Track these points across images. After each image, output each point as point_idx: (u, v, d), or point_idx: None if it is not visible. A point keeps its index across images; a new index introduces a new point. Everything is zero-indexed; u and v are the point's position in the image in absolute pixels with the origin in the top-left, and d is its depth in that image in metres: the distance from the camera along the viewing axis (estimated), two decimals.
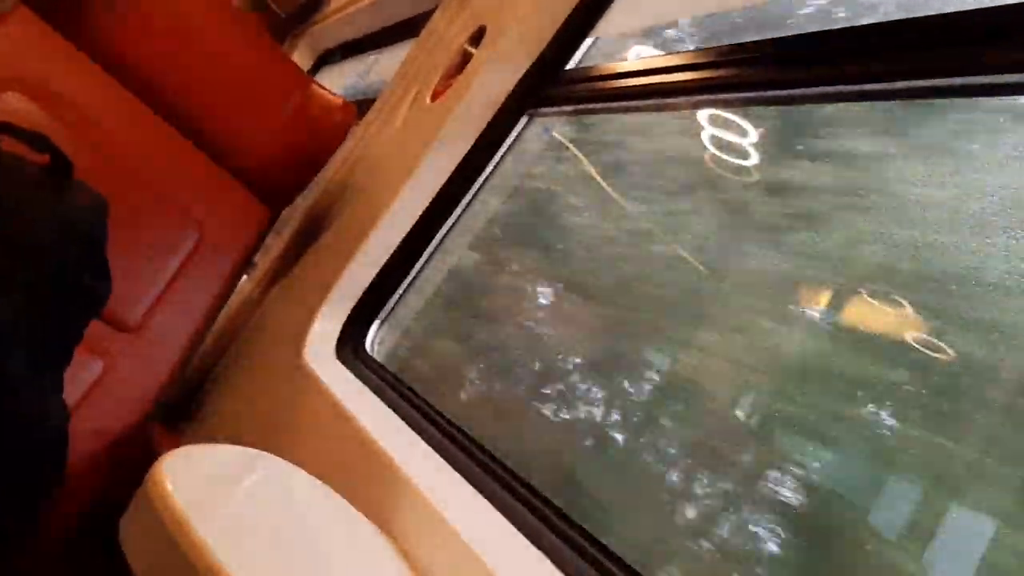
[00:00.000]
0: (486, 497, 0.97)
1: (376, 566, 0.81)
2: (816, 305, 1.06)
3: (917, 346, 0.92)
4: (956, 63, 0.82)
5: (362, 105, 1.94)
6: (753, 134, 1.33)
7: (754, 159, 1.33)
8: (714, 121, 1.38)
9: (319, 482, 0.91)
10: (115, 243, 1.22)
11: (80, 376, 1.40)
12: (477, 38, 1.59)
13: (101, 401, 1.43)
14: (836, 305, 1.03)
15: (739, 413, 1.06)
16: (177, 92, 1.58)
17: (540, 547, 0.86)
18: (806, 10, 1.05)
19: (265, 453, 0.87)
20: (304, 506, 0.80)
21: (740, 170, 1.31)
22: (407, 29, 2.41)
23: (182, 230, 1.56)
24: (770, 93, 1.12)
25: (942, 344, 0.89)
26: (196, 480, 0.61)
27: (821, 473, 0.91)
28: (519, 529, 0.89)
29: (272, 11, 3.31)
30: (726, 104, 1.22)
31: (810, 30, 0.99)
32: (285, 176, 1.67)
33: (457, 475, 1.02)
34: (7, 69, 1.45)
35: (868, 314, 1.00)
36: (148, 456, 1.48)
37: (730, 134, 1.34)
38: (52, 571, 1.36)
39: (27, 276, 1.03)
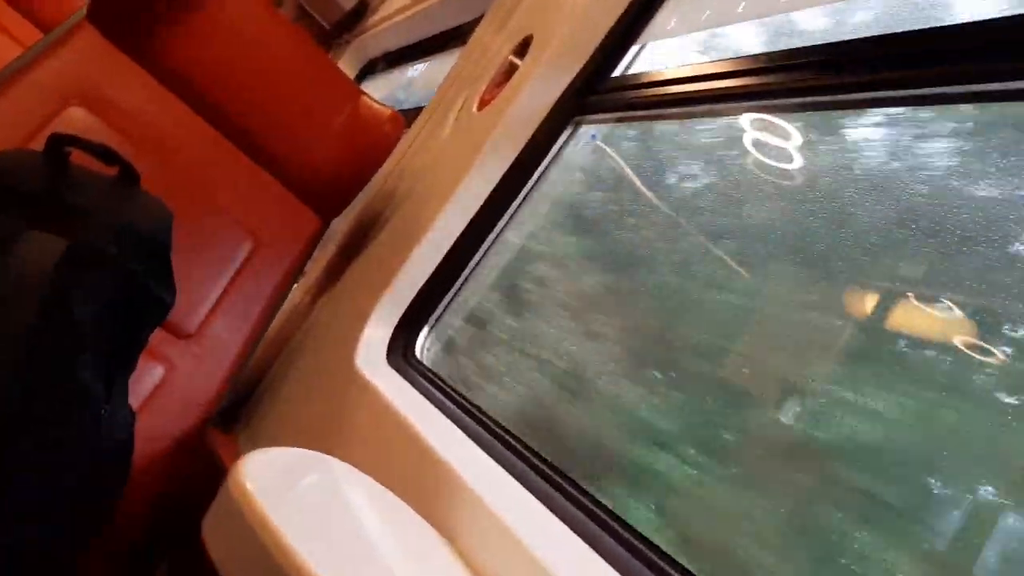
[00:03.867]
0: (541, 501, 0.98)
1: (435, 563, 0.83)
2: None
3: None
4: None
5: (408, 114, 1.98)
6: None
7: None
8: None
9: (380, 485, 0.93)
10: (174, 252, 1.26)
11: (142, 382, 1.45)
12: (523, 48, 1.61)
13: (162, 407, 1.48)
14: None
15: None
16: (233, 106, 1.63)
17: (600, 552, 0.87)
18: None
19: (329, 456, 0.89)
20: (368, 509, 0.82)
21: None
22: (451, 39, 2.44)
23: (237, 239, 1.61)
24: (818, 99, 1.13)
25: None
26: (273, 480, 0.63)
27: None
28: (578, 534, 0.90)
29: (316, 21, 3.38)
30: (773, 110, 1.22)
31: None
32: (336, 187, 1.71)
33: (512, 479, 1.04)
34: (71, 84, 1.51)
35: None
36: (207, 460, 1.54)
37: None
38: (117, 570, 1.40)
39: (101, 285, 1.07)
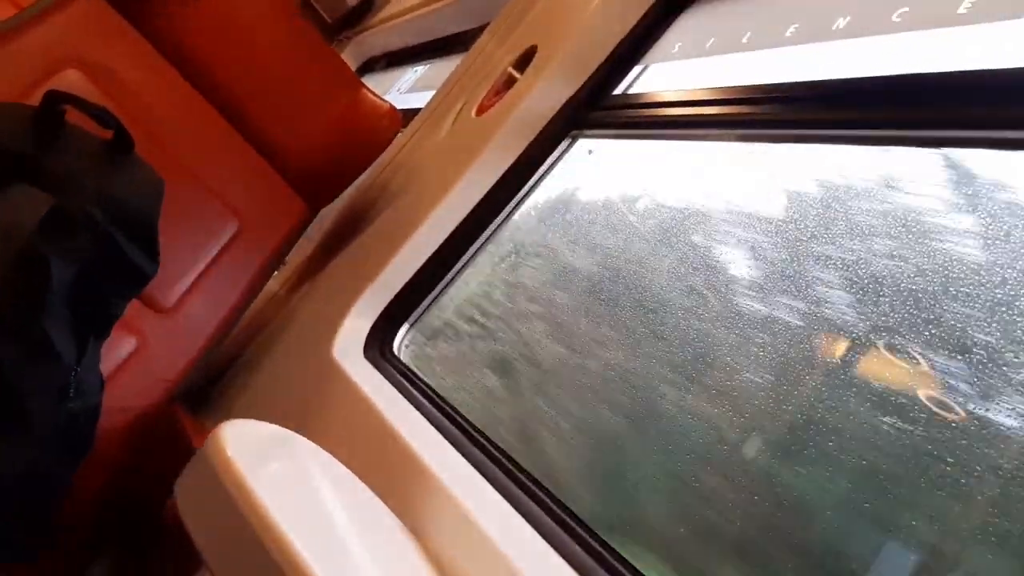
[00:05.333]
0: (509, 502, 0.98)
1: (400, 556, 0.83)
2: None
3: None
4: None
5: (405, 114, 1.98)
6: None
7: None
8: None
9: (348, 471, 0.93)
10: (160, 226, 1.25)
11: (113, 352, 1.43)
12: (525, 60, 1.62)
13: (130, 378, 1.46)
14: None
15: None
16: (232, 85, 1.62)
17: (563, 555, 0.88)
18: None
19: (300, 436, 0.89)
20: (335, 490, 0.82)
21: None
22: (455, 43, 2.46)
23: (223, 219, 1.59)
24: (817, 132, 1.15)
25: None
26: (250, 448, 0.63)
27: None
28: (543, 536, 0.91)
29: (318, 15, 3.38)
30: (771, 140, 1.24)
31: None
32: (327, 175, 1.70)
33: (479, 475, 1.04)
34: (70, 47, 1.50)
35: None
36: (170, 437, 1.51)
37: None
38: (77, 541, 1.38)
39: (82, 248, 1.05)
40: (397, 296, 1.50)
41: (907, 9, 1.07)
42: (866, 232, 1.07)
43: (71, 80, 1.49)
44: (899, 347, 0.94)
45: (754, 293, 1.15)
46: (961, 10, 0.99)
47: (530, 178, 1.52)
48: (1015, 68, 0.86)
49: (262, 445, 0.69)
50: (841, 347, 1.02)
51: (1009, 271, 0.87)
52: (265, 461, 0.63)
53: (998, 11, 0.94)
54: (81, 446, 1.19)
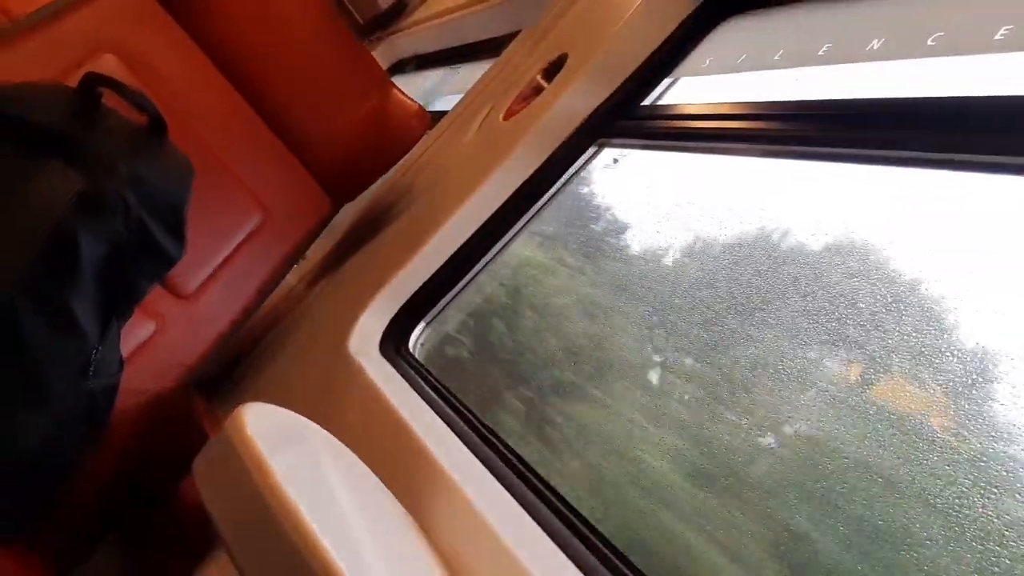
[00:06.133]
0: (519, 502, 0.99)
1: (407, 547, 0.83)
2: None
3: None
4: None
5: (434, 115, 2.00)
6: None
7: None
8: None
9: (361, 462, 0.94)
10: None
11: (132, 335, 1.45)
12: (555, 68, 1.63)
13: (147, 361, 1.47)
14: None
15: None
16: (264, 77, 1.64)
17: (569, 556, 0.88)
18: None
19: (315, 424, 0.89)
20: (348, 478, 0.83)
21: None
22: (485, 48, 2.47)
23: (249, 210, 1.61)
24: (846, 151, 1.15)
25: None
26: (270, 429, 0.63)
27: None
28: (551, 537, 0.91)
29: (351, 15, 3.41)
30: (798, 156, 1.24)
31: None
32: (353, 172, 1.72)
33: (491, 476, 1.04)
34: (107, 33, 1.53)
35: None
36: (183, 422, 1.53)
37: None
38: (85, 521, 1.39)
39: (112, 230, 1.07)
40: (415, 295, 1.51)
41: (943, 34, 1.07)
42: None
43: (108, 66, 1.51)
44: None
45: None
46: (998, 37, 0.99)
47: (554, 184, 1.53)
48: None
49: (280, 429, 0.70)
50: None
51: None
52: (283, 444, 0.64)
53: None
54: (97, 425, 1.20)
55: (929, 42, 1.08)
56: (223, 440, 0.60)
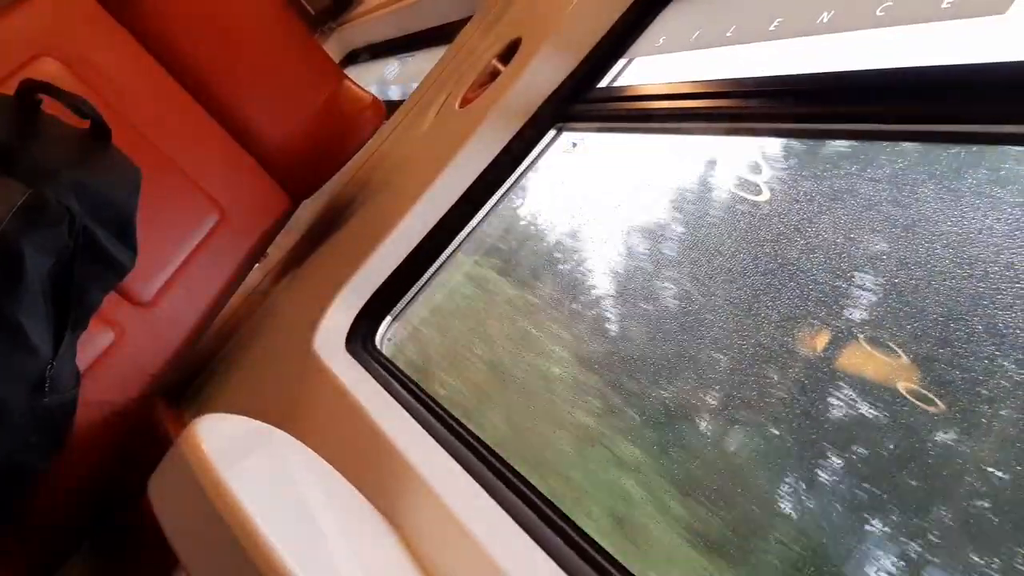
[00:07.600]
0: (492, 496, 0.98)
1: (380, 550, 0.82)
2: None
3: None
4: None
5: (389, 105, 1.97)
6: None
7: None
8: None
9: (329, 465, 0.92)
10: (138, 217, 1.23)
11: (91, 346, 1.41)
12: (508, 53, 1.61)
13: (108, 372, 1.43)
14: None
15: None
16: (211, 74, 1.60)
17: (542, 545, 0.88)
18: None
19: (279, 430, 0.88)
20: (316, 485, 0.81)
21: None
22: (438, 35, 2.44)
23: (203, 211, 1.58)
24: (799, 127, 1.15)
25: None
26: (227, 443, 0.62)
27: None
28: (525, 530, 0.90)
29: (301, 6, 3.35)
30: (755, 133, 1.24)
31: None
32: (310, 167, 1.69)
33: (461, 468, 1.03)
34: (46, 35, 1.47)
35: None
36: (149, 432, 1.49)
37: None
38: (54, 535, 1.36)
39: (57, 239, 1.04)
40: (380, 289, 1.49)
41: (891, 3, 1.06)
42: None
43: (47, 69, 1.46)
44: None
45: None
46: (944, 5, 0.99)
47: (515, 169, 1.52)
48: (996, 63, 0.86)
49: (238, 440, 0.68)
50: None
51: None
52: (241, 456, 0.62)
53: (979, 8, 0.95)
54: (56, 441, 1.17)
55: (878, 12, 1.08)
56: (176, 457, 0.58)
